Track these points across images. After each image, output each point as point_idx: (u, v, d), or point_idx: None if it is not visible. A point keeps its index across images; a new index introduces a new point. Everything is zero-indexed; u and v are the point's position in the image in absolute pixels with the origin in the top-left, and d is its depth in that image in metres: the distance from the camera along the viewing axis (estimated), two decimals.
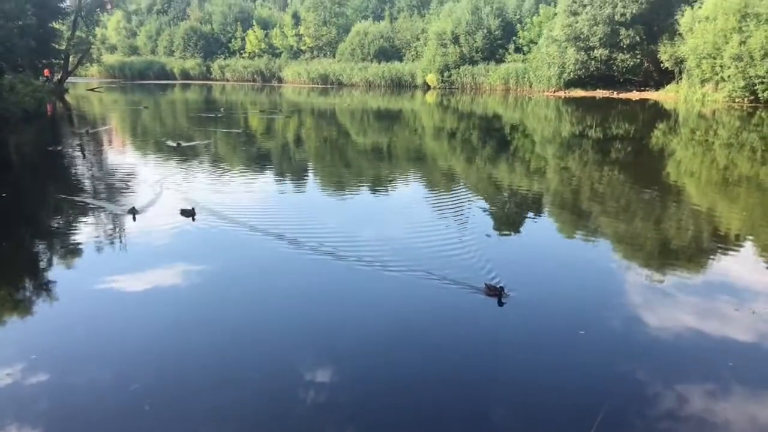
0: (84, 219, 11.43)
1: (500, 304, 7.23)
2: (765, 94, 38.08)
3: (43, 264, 9.19)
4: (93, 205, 12.27)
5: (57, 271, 8.75)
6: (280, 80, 79.74)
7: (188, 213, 11.07)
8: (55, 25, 49.43)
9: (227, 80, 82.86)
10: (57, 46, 49.72)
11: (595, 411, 5.12)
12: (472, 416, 5.15)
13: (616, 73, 51.75)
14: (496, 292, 7.46)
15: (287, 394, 5.41)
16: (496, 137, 27.66)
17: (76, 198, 12.93)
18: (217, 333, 6.71)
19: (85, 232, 10.54)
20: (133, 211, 11.11)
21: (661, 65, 47.69)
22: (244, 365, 5.90)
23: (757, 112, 34.56)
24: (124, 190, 13.70)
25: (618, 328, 6.93)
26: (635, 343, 6.59)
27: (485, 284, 7.64)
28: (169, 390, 5.52)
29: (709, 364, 6.20)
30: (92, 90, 58.52)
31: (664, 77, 49.69)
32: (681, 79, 46.05)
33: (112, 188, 14.19)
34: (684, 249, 10.34)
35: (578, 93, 53.04)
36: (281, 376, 5.73)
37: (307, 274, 8.34)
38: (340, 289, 7.87)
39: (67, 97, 47.89)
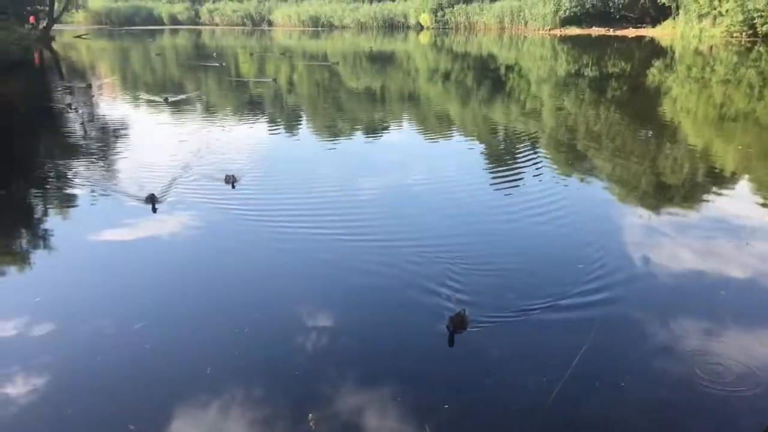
0: (85, 171, 11.27)
1: (451, 342, 5.34)
2: (764, 28, 37.59)
3: (39, 215, 9.13)
4: (104, 177, 11.74)
5: (55, 223, 8.68)
6: (270, 23, 78.46)
7: (228, 180, 9.85)
8: None
9: (216, 24, 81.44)
10: None
11: (583, 340, 5.25)
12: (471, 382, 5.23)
13: (612, 10, 50.98)
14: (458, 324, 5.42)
15: (281, 338, 5.50)
16: (491, 78, 27.39)
17: (75, 159, 12.76)
18: (218, 282, 6.76)
19: (86, 186, 10.35)
20: (153, 199, 8.97)
21: (658, 0, 46.87)
22: (240, 314, 5.94)
23: (756, 47, 34.20)
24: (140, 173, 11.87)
25: (613, 264, 6.96)
26: (630, 278, 6.63)
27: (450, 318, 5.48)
28: (169, 332, 5.59)
29: (703, 297, 6.28)
30: (79, 37, 57.40)
31: (660, 13, 48.97)
32: (678, 14, 45.36)
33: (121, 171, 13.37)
34: (680, 187, 10.37)
35: (574, 31, 52.28)
36: (276, 324, 5.79)
37: (306, 230, 8.23)
38: (333, 253, 7.60)
39: (54, 45, 46.91)
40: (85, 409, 4.56)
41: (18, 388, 4.74)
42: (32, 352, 5.26)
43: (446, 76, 27.56)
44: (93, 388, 4.82)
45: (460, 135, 15.11)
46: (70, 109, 17.89)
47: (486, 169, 11.49)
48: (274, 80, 25.54)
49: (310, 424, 4.26)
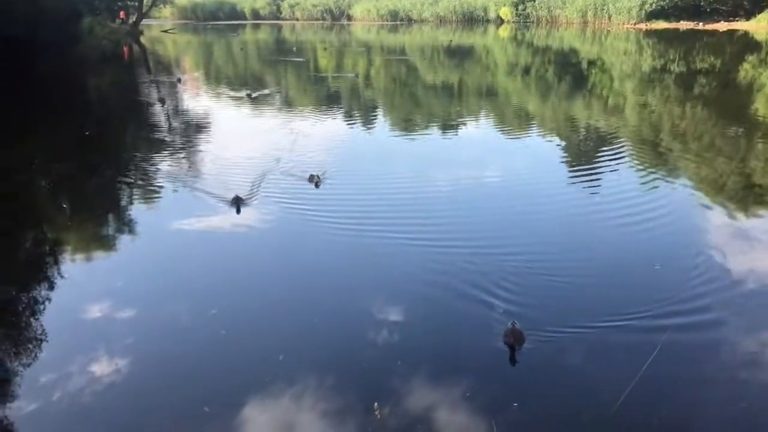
0: (170, 164, 11.64)
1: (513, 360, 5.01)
2: None
3: (126, 205, 9.49)
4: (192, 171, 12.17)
5: (140, 213, 8.98)
6: (349, 18, 79.08)
7: (312, 179, 9.70)
8: None
9: (297, 19, 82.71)
10: None
11: (656, 344, 5.06)
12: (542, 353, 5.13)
13: (702, 2, 48.87)
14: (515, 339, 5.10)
15: (351, 331, 5.57)
16: (572, 73, 26.76)
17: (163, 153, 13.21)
18: (291, 274, 6.90)
19: (171, 180, 10.58)
20: (238, 201, 8.74)
21: None
22: (312, 306, 6.00)
23: None
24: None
25: (695, 266, 6.66)
26: (713, 283, 6.32)
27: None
28: (243, 320, 5.74)
29: None
30: (166, 31, 59.50)
31: (755, 5, 46.58)
32: None
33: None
34: None
35: (660, 25, 50.47)
36: (346, 317, 5.83)
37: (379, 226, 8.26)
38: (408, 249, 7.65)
39: (142, 39, 48.76)
40: (162, 389, 4.72)
41: (102, 368, 4.95)
42: (115, 333, 5.49)
43: (526, 71, 27.13)
44: (170, 369, 5.00)
45: (539, 132, 14.84)
46: (161, 103, 18.45)
47: (564, 168, 11.22)
48: (356, 75, 25.64)
49: (376, 413, 4.28)
